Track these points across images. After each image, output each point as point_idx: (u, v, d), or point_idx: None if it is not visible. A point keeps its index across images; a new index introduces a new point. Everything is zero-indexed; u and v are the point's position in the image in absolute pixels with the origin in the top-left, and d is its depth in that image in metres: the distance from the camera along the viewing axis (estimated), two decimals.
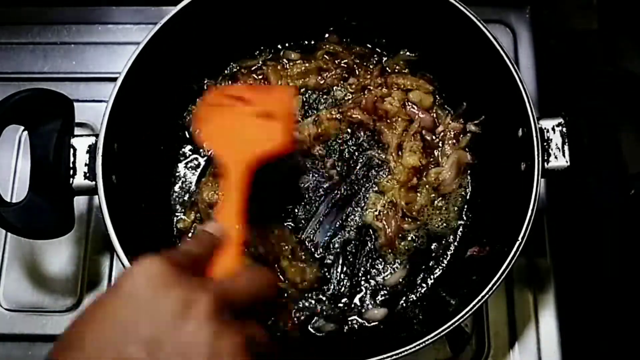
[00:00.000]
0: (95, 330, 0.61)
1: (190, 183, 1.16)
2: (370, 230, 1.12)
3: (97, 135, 0.99)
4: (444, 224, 1.13)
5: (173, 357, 0.59)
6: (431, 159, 1.15)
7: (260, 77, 1.20)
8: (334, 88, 1.21)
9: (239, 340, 0.63)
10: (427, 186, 1.14)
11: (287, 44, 1.23)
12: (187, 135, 1.18)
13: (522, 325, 1.13)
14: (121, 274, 0.67)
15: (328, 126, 1.16)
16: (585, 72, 1.27)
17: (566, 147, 0.98)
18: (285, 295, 1.08)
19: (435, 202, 1.14)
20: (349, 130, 1.18)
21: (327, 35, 1.23)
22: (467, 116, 1.16)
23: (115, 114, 0.99)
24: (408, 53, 1.21)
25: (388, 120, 1.17)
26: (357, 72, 1.21)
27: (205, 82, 1.19)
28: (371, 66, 1.22)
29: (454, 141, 1.16)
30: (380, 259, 1.11)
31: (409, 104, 1.17)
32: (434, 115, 1.17)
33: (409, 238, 1.12)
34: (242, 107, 1.00)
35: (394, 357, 0.90)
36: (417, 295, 1.10)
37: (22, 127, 1.13)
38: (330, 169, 1.15)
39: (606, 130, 0.97)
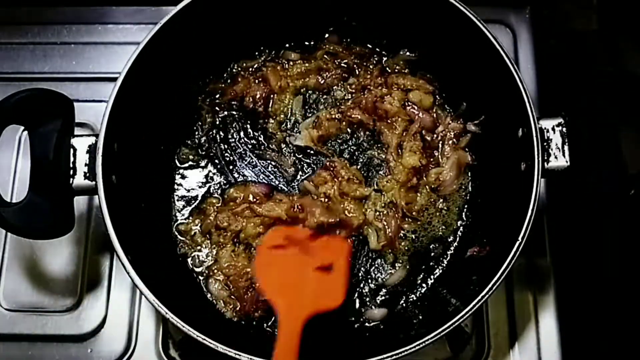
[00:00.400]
0: None
1: (193, 188, 1.16)
2: (369, 230, 1.12)
3: (97, 135, 0.99)
4: (444, 224, 1.13)
5: None
6: (431, 160, 1.15)
7: (260, 79, 1.21)
8: (334, 88, 1.21)
9: None
10: (427, 187, 1.14)
11: (287, 44, 1.23)
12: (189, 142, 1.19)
13: (522, 325, 1.13)
14: None
15: (328, 126, 1.16)
16: (585, 72, 1.27)
17: (566, 147, 0.98)
18: None
19: (436, 202, 1.14)
20: (348, 130, 1.18)
21: (327, 35, 1.23)
22: (467, 116, 1.16)
23: (115, 114, 1.00)
24: (408, 53, 1.21)
25: (388, 121, 1.17)
26: (357, 72, 1.21)
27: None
28: (371, 66, 1.22)
29: (454, 141, 1.16)
30: (380, 259, 1.11)
31: (409, 104, 1.17)
32: (434, 116, 1.17)
33: (410, 238, 1.12)
34: (301, 255, 1.02)
35: (394, 357, 0.90)
36: (417, 295, 1.10)
37: (22, 127, 1.13)
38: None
39: (606, 130, 0.97)
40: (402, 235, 1.12)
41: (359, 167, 1.16)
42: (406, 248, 1.11)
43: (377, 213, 1.12)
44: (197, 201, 1.15)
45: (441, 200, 1.14)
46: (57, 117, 0.98)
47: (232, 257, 1.09)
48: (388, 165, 1.15)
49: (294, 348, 0.90)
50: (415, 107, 1.17)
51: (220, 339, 0.90)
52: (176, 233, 1.13)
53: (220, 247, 1.10)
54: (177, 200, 1.16)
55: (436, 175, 1.14)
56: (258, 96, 1.19)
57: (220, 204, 1.14)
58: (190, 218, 1.14)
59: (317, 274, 1.01)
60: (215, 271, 1.10)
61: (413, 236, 1.12)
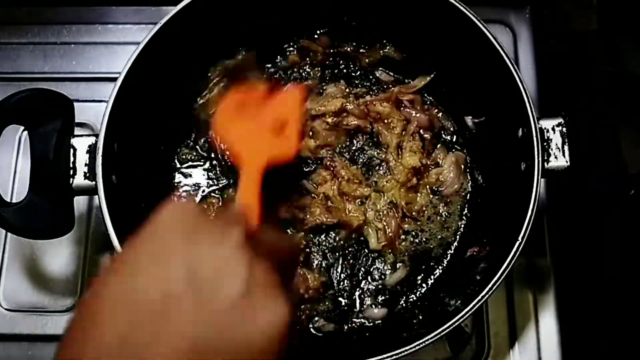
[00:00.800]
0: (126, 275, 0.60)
1: (192, 188, 1.16)
2: (369, 230, 1.12)
3: (97, 135, 0.99)
4: (444, 224, 1.13)
5: (210, 282, 0.59)
6: (430, 160, 1.15)
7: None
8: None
9: (269, 273, 0.63)
10: (427, 187, 1.14)
11: (287, 45, 1.23)
12: (192, 141, 1.19)
13: (522, 325, 1.13)
14: (151, 218, 0.66)
15: (325, 136, 1.17)
16: (585, 72, 1.27)
17: (566, 147, 0.98)
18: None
19: (435, 202, 1.14)
20: (347, 136, 1.18)
21: (317, 35, 1.22)
22: (466, 113, 1.16)
23: (115, 114, 0.99)
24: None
25: (385, 121, 1.17)
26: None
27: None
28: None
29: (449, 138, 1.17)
30: (380, 259, 1.11)
31: (403, 105, 1.17)
32: (429, 114, 1.18)
33: (410, 238, 1.12)
34: (258, 114, 1.07)
35: (394, 357, 0.90)
36: (417, 295, 1.10)
37: (22, 127, 1.13)
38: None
39: (606, 130, 0.97)
40: (402, 235, 1.12)
41: (358, 167, 1.16)
42: (406, 248, 1.11)
43: (377, 213, 1.12)
44: (197, 201, 1.15)
45: (441, 200, 1.14)
46: (57, 117, 0.98)
47: None
48: (388, 165, 1.15)
49: (256, 191, 0.95)
50: (410, 107, 1.18)
51: None
52: None
53: None
54: (177, 200, 1.16)
55: (437, 176, 1.14)
56: None
57: (219, 204, 1.14)
58: None
59: (272, 133, 1.05)
60: None
61: (413, 236, 1.12)
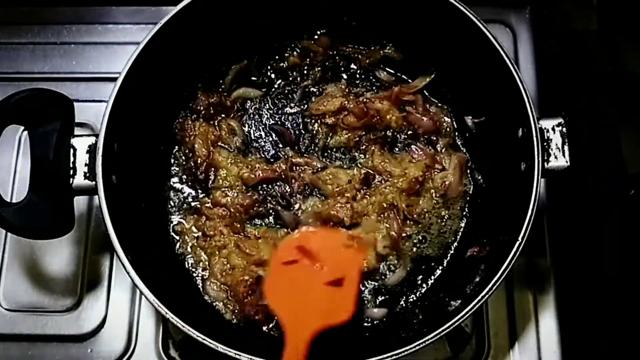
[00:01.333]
0: None
1: (191, 188, 1.16)
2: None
3: (97, 135, 0.99)
4: (445, 225, 1.13)
5: None
6: (436, 164, 1.15)
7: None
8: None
9: None
10: (432, 191, 1.14)
11: (287, 46, 1.23)
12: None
13: (522, 325, 1.13)
14: None
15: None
16: (585, 72, 1.27)
17: (566, 147, 0.98)
18: None
19: (436, 203, 1.14)
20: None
21: (317, 36, 1.22)
22: (466, 113, 1.16)
23: (115, 114, 0.99)
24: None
25: (377, 118, 1.16)
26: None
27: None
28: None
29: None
30: (381, 259, 1.11)
31: (407, 109, 1.17)
32: (435, 118, 1.18)
33: (413, 240, 1.12)
34: (311, 269, 0.99)
35: (394, 357, 0.90)
36: (417, 295, 1.10)
37: (22, 127, 1.13)
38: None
39: (606, 130, 0.97)
40: (405, 236, 1.12)
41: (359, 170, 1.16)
42: (409, 250, 1.11)
43: (380, 217, 1.12)
44: (193, 202, 1.15)
45: (443, 202, 1.14)
46: (57, 117, 0.98)
47: (226, 266, 1.09)
48: (388, 172, 1.15)
49: None
50: (413, 111, 1.18)
51: (220, 339, 0.90)
52: (173, 234, 1.13)
53: (212, 255, 1.10)
54: (175, 200, 1.16)
55: (442, 180, 1.13)
56: None
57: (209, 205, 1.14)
58: (185, 219, 1.14)
59: (327, 288, 0.98)
60: (211, 277, 1.10)
61: (416, 238, 1.12)
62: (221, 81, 1.21)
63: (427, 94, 1.20)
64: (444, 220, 1.13)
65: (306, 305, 0.97)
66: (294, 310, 0.96)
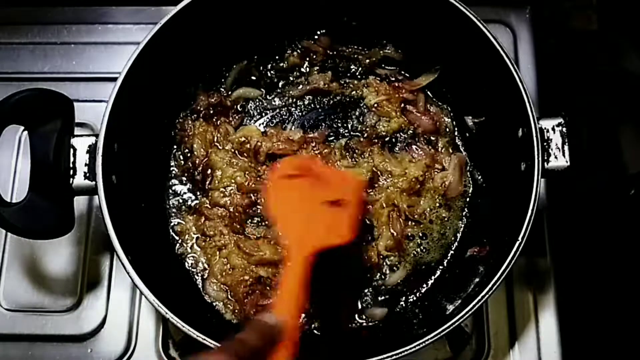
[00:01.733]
0: None
1: (190, 189, 1.16)
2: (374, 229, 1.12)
3: (97, 135, 0.99)
4: (445, 225, 1.13)
5: None
6: (436, 164, 1.15)
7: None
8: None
9: None
10: (432, 192, 1.14)
11: (287, 46, 1.23)
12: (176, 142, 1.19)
13: (522, 325, 1.13)
14: None
15: None
16: (585, 72, 1.27)
17: (566, 147, 0.98)
18: None
19: (437, 204, 1.14)
20: None
21: (317, 36, 1.22)
22: (466, 113, 1.16)
23: (115, 114, 0.99)
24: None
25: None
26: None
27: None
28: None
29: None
30: (382, 259, 1.11)
31: (408, 109, 1.17)
32: (435, 118, 1.18)
33: (416, 241, 1.12)
34: (313, 188, 1.00)
35: (394, 357, 0.90)
36: (417, 295, 1.10)
37: (22, 127, 1.13)
38: None
39: (606, 130, 0.97)
40: (407, 237, 1.12)
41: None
42: (412, 250, 1.11)
43: (383, 218, 1.12)
44: (193, 202, 1.15)
45: (442, 202, 1.14)
46: (57, 117, 0.98)
47: (226, 266, 1.09)
48: (388, 171, 1.15)
49: (300, 281, 0.87)
50: (414, 110, 1.18)
51: (220, 339, 0.90)
52: (173, 234, 1.13)
53: (212, 255, 1.10)
54: (175, 200, 1.16)
55: (442, 180, 1.13)
56: None
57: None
58: (185, 219, 1.14)
59: (327, 208, 0.98)
60: (211, 277, 1.10)
61: (418, 238, 1.12)
62: (223, 80, 1.21)
63: (429, 94, 1.20)
64: (444, 220, 1.13)
65: (307, 222, 0.97)
66: (295, 224, 0.96)
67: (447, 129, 1.19)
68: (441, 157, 1.16)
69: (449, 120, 1.19)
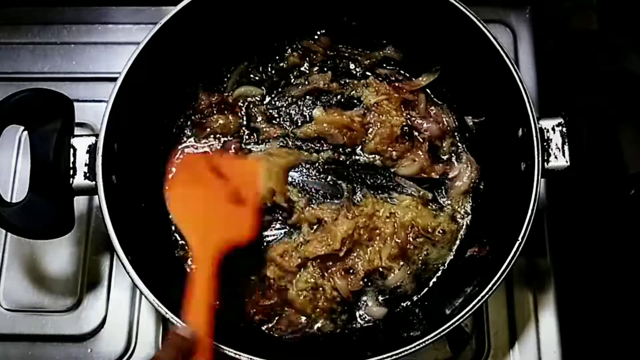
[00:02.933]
0: None
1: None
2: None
3: (97, 135, 0.99)
4: (446, 225, 1.13)
5: None
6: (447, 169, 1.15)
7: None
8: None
9: None
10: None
11: (286, 45, 1.23)
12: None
13: (522, 325, 1.13)
14: None
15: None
16: (585, 72, 1.27)
17: (566, 147, 0.98)
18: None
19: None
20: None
21: (317, 36, 1.22)
22: (467, 113, 1.16)
23: (115, 114, 1.00)
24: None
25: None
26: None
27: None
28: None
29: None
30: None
31: (411, 114, 1.17)
32: (441, 124, 1.17)
33: (419, 245, 1.12)
34: (213, 185, 1.01)
35: (394, 357, 0.90)
36: (417, 295, 1.10)
37: (22, 127, 1.13)
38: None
39: (606, 130, 0.97)
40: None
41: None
42: (416, 255, 1.11)
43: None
44: None
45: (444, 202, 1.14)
46: (57, 117, 0.98)
47: None
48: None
49: (210, 284, 0.89)
50: (416, 113, 1.17)
51: (220, 339, 0.90)
52: (173, 234, 1.13)
53: None
54: None
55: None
56: None
57: None
58: None
59: (229, 205, 1.00)
60: None
61: (423, 245, 1.12)
62: (225, 80, 1.21)
63: (430, 93, 1.20)
64: (445, 221, 1.13)
65: (209, 221, 0.98)
66: (198, 225, 0.98)
67: (450, 131, 1.18)
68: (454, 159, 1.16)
69: (452, 119, 1.18)
